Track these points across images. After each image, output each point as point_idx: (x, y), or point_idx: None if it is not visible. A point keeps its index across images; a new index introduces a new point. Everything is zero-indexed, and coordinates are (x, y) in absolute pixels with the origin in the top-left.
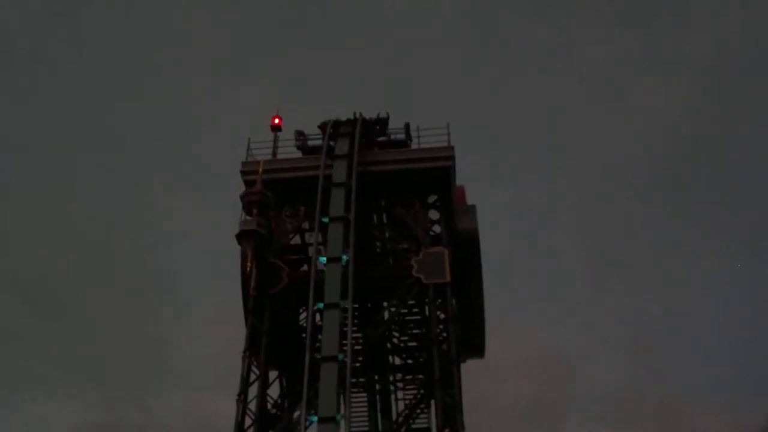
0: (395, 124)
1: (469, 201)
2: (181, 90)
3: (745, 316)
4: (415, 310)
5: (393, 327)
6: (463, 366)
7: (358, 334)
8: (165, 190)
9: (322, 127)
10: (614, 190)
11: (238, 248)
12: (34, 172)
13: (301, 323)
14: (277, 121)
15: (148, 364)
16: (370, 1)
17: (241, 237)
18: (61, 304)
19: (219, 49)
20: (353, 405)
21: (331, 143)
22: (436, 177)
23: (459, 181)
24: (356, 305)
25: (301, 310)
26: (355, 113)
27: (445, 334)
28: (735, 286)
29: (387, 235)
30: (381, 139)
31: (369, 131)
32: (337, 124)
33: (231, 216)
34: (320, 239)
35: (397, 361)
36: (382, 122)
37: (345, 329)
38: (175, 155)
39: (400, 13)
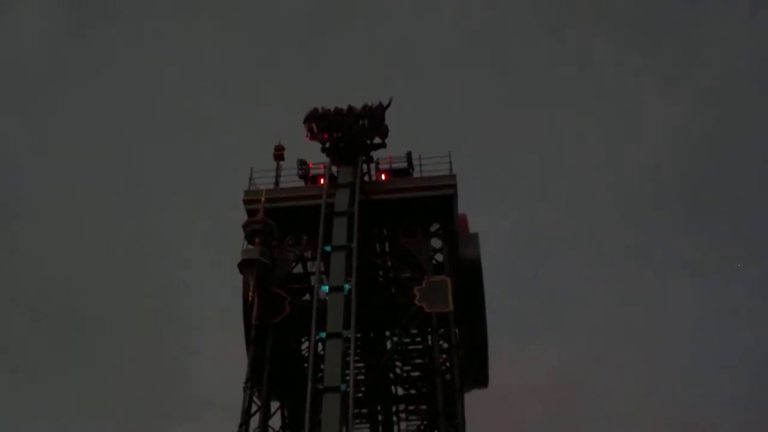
0: (398, 152)
1: (477, 225)
2: (184, 118)
3: (757, 331)
4: (418, 339)
5: (396, 356)
6: (475, 393)
7: (361, 364)
8: (174, 217)
9: (309, 116)
10: (623, 209)
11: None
12: (46, 191)
13: (303, 353)
14: (279, 150)
15: (158, 391)
16: (373, 24)
17: (243, 266)
18: (71, 329)
19: (223, 76)
20: None
21: (334, 172)
22: (438, 205)
23: (468, 203)
24: (359, 335)
25: (303, 340)
26: (348, 106)
27: (448, 364)
28: (743, 302)
29: (389, 263)
30: (384, 166)
31: (371, 122)
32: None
33: (234, 245)
34: (322, 268)
35: (400, 391)
36: (375, 112)
37: (347, 359)
38: (182, 184)
39: (407, 35)
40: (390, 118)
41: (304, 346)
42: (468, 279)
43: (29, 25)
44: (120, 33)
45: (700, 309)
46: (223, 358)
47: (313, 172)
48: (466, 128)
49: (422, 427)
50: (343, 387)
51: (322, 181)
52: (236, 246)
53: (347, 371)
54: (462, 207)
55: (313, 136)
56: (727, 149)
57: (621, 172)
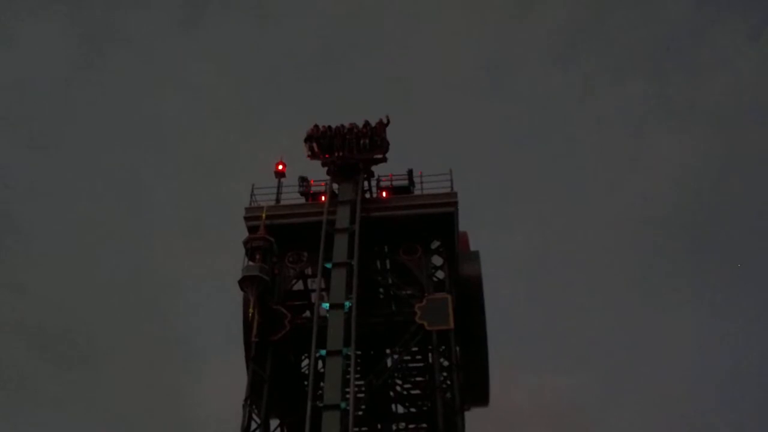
0: (399, 169)
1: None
2: (185, 136)
3: (758, 359)
4: (419, 357)
5: (396, 375)
6: (477, 413)
7: (361, 382)
8: (175, 236)
9: (310, 136)
10: (629, 235)
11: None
12: (50, 215)
13: (303, 370)
14: (281, 167)
15: (160, 410)
16: (379, 45)
17: (244, 283)
18: (78, 357)
19: (223, 95)
20: None
21: (335, 189)
22: (439, 223)
23: (471, 227)
24: (359, 352)
25: (303, 357)
26: (350, 124)
27: (449, 382)
28: (744, 330)
29: (390, 281)
30: (385, 185)
31: (372, 141)
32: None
33: (235, 262)
34: (323, 285)
35: (401, 409)
36: (376, 130)
37: (347, 377)
38: (184, 202)
39: (413, 59)
40: (391, 135)
41: (304, 363)
42: (469, 297)
43: (42, 48)
44: (129, 57)
45: (703, 335)
46: (224, 376)
47: (314, 189)
48: (468, 148)
49: None
50: (343, 405)
51: (323, 198)
52: (238, 263)
53: (347, 389)
54: (463, 225)
55: (313, 155)
56: (730, 179)
57: (621, 200)
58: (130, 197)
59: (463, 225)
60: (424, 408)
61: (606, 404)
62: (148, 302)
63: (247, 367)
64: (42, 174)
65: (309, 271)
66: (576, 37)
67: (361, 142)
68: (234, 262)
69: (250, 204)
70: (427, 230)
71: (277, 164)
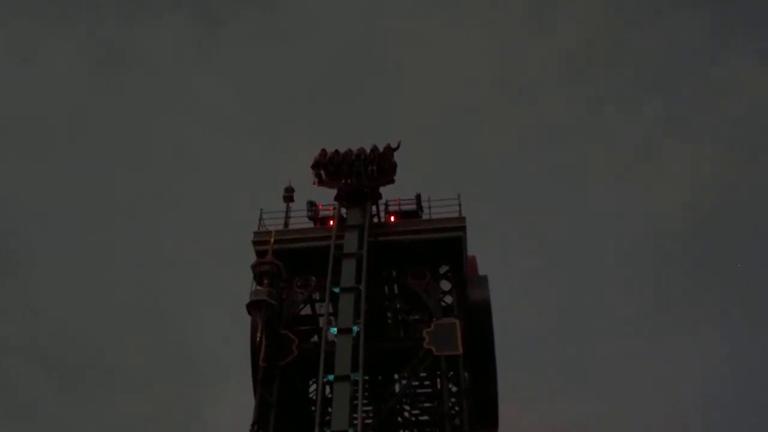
0: (407, 194)
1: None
2: (195, 157)
3: None
4: (427, 382)
5: (404, 400)
6: None
7: (369, 408)
8: (184, 259)
9: (317, 162)
10: (640, 257)
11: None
12: (60, 239)
13: (310, 396)
14: (289, 192)
15: None
16: (385, 66)
17: (252, 307)
18: (85, 377)
19: (232, 119)
20: None
21: (343, 213)
22: (447, 247)
23: (480, 250)
24: (367, 377)
25: (310, 383)
26: (357, 149)
27: (457, 408)
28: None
29: (398, 305)
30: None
31: (380, 167)
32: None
33: (243, 286)
34: (331, 310)
35: None
36: (384, 156)
37: (355, 402)
38: (192, 224)
39: (422, 80)
40: (400, 159)
41: (312, 388)
42: (477, 321)
43: (57, 65)
44: (139, 81)
45: (720, 361)
46: (234, 402)
47: (322, 213)
48: (477, 169)
49: None
50: (350, 431)
51: (331, 222)
52: (247, 288)
53: (355, 415)
54: (472, 249)
55: (321, 182)
56: (741, 199)
57: (632, 221)
58: (141, 223)
59: (471, 249)
60: None
61: (618, 427)
62: (158, 326)
63: (255, 392)
64: (52, 200)
65: (317, 295)
66: (587, 56)
67: (369, 168)
68: (244, 287)
69: (259, 228)
70: (435, 255)
71: (286, 189)
